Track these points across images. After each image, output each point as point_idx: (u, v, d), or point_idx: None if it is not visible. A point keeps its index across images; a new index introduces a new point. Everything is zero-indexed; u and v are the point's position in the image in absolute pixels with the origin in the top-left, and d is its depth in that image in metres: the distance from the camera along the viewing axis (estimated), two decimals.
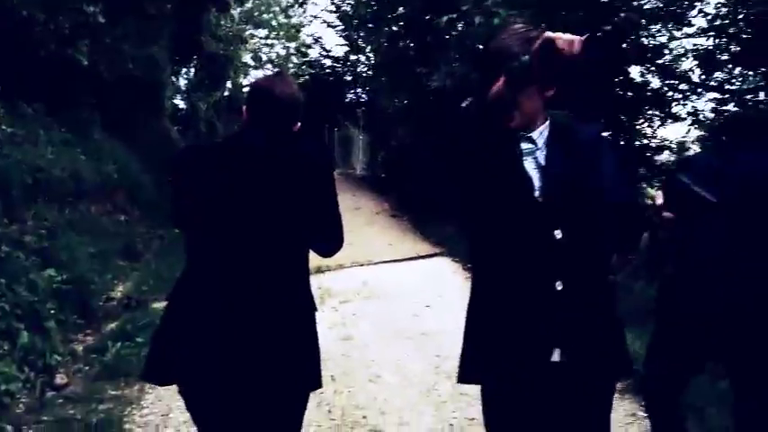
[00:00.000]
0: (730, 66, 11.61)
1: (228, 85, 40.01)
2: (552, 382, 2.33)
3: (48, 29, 9.27)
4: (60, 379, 5.00)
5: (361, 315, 7.21)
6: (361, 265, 9.74)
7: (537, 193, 2.30)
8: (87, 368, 5.32)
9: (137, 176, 11.25)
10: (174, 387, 2.54)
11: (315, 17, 44.25)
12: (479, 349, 2.44)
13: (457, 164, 2.45)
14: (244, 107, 2.56)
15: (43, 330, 5.38)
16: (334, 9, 21.75)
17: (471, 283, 2.46)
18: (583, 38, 2.14)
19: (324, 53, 25.92)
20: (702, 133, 12.66)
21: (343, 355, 5.94)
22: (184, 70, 31.36)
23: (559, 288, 2.25)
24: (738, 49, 11.10)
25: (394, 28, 18.47)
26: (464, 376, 2.47)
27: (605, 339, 2.35)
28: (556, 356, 2.28)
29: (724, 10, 11.09)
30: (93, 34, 10.61)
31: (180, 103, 35.84)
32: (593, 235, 2.31)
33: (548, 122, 2.38)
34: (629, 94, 13.77)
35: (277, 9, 40.81)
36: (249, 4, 35.42)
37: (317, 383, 2.61)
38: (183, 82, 33.64)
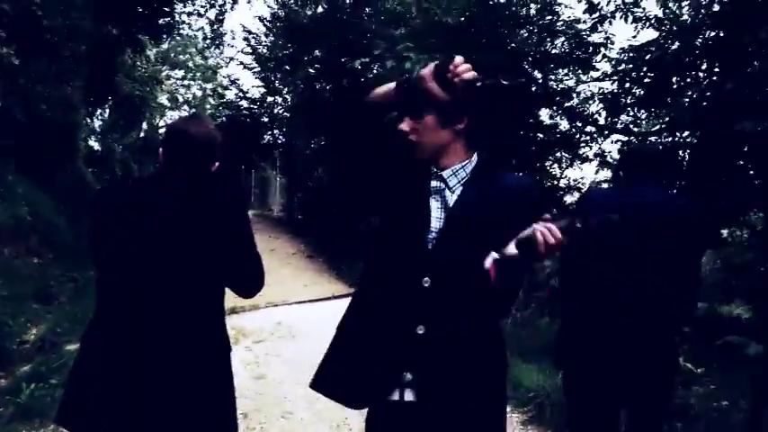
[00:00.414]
0: (635, 108, 12.21)
1: (144, 126, 39.65)
2: (405, 420, 2.34)
3: None
4: None
5: (275, 354, 7.37)
6: (276, 306, 9.89)
7: (431, 235, 2.25)
8: (1, 409, 5.34)
9: (51, 219, 11.17)
10: None
11: (231, 59, 43.96)
12: (339, 365, 2.43)
13: (373, 188, 2.46)
14: (160, 149, 2.59)
15: None
16: (251, 51, 21.88)
17: (350, 302, 2.48)
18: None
19: (240, 94, 25.85)
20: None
21: (257, 392, 6.09)
22: (99, 111, 30.99)
23: (420, 332, 2.25)
24: (641, 92, 11.70)
25: (310, 70, 18.74)
26: (315, 384, 2.46)
27: (469, 383, 2.31)
28: (409, 396, 2.28)
29: (626, 56, 11.66)
30: (7, 75, 10.61)
31: (95, 144, 35.34)
32: (467, 287, 2.23)
33: (472, 161, 2.33)
34: (540, 135, 14.34)
35: (193, 50, 40.63)
36: (165, 45, 35.14)
37: (231, 428, 2.61)
38: (97, 123, 33.23)
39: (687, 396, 5.43)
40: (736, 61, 8.63)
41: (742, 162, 8.72)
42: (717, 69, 10.16)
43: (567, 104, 13.90)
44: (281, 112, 24.79)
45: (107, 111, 33.03)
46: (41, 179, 12.12)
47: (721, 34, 9.24)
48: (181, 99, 42.79)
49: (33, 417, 5.20)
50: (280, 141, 25.85)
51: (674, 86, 10.42)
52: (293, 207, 22.88)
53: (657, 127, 11.70)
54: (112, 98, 28.36)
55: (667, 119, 10.86)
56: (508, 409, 5.73)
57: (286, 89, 22.59)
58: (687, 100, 9.68)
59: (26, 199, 10.54)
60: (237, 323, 8.31)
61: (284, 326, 8.63)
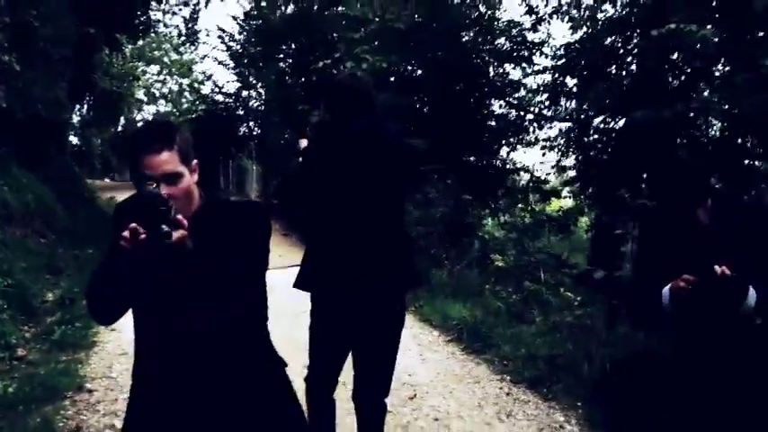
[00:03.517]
0: (573, 99, 13.75)
1: (122, 120, 40.75)
2: (363, 298, 3.54)
3: None
4: (21, 351, 6.48)
5: None
6: None
7: None
8: (39, 345, 6.78)
9: (51, 205, 12.53)
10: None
11: (206, 56, 44.87)
12: (313, 268, 3.65)
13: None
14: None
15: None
16: (225, 48, 22.70)
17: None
18: None
19: (216, 89, 26.61)
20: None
21: None
22: (77, 107, 31.89)
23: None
24: (575, 83, 13.24)
25: (282, 65, 20.00)
26: (298, 284, 3.70)
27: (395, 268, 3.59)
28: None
29: (561, 52, 13.20)
30: (9, 80, 11.94)
31: (74, 139, 36.38)
32: None
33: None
34: (491, 123, 15.87)
35: (168, 46, 41.55)
36: (141, 42, 36.08)
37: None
38: (76, 119, 34.21)
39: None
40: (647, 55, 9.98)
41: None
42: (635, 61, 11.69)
43: (516, 95, 15.48)
44: (255, 105, 25.57)
45: (85, 107, 34.13)
46: (38, 171, 13.46)
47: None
48: (157, 93, 43.79)
49: (66, 348, 6.66)
50: (255, 133, 26.74)
51: (601, 76, 11.90)
52: (269, 193, 24.13)
53: (593, 113, 13.06)
54: (90, 94, 29.39)
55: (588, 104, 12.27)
56: (436, 333, 7.39)
57: (260, 84, 23.33)
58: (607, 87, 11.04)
59: (29, 188, 11.89)
60: None
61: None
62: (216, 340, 2.29)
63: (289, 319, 5.91)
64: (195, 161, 2.32)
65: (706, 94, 8.94)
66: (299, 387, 4.87)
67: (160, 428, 2.34)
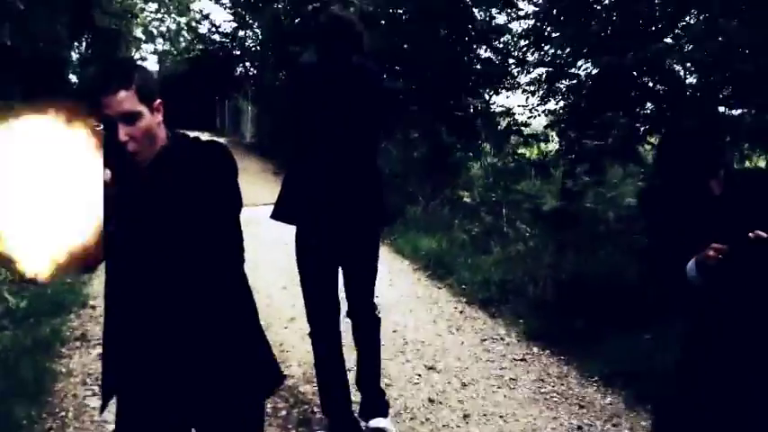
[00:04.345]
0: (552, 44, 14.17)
1: None
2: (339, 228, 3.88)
3: None
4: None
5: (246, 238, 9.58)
6: (246, 206, 12.10)
7: None
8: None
9: None
10: None
11: None
12: (291, 198, 3.96)
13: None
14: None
15: None
16: None
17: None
18: None
19: (213, 29, 26.83)
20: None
21: None
22: (76, 45, 31.96)
23: None
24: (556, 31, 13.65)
25: (278, 6, 20.39)
26: (276, 216, 4.01)
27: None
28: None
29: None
30: (13, 19, 12.50)
31: (73, 77, 36.57)
32: None
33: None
34: (478, 67, 16.34)
35: None
36: None
37: (276, 381, 2.66)
38: (75, 56, 34.28)
39: None
40: None
41: None
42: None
43: (503, 39, 15.92)
44: (252, 45, 25.67)
45: (84, 45, 34.22)
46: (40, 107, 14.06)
47: None
48: (155, 32, 43.69)
49: None
50: (251, 74, 27.00)
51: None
52: (263, 134, 24.57)
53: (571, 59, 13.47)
54: (90, 32, 29.58)
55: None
56: (406, 263, 8.16)
57: (256, 24, 23.44)
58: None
59: None
60: None
61: (253, 218, 10.86)
62: (186, 284, 2.28)
63: (280, 247, 6.69)
64: (159, 100, 2.28)
65: (669, 40, 9.25)
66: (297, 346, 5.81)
67: (136, 359, 2.36)
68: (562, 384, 5.13)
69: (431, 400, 4.77)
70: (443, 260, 7.97)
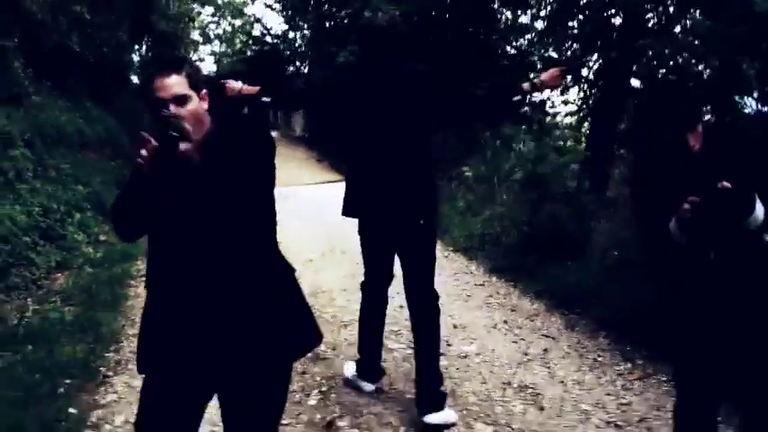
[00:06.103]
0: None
1: None
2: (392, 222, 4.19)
3: (52, 26, 12.71)
4: (102, 237, 8.85)
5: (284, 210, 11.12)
6: (287, 186, 13.57)
7: None
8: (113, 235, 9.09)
9: (117, 136, 14.77)
10: None
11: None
12: (351, 198, 4.27)
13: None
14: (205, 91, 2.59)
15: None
16: None
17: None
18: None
19: (264, 31, 28.47)
20: None
21: None
22: (137, 48, 33.51)
23: None
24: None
25: (324, 8, 21.83)
26: (345, 212, 4.36)
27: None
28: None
29: None
30: (81, 27, 14.06)
31: (134, 78, 38.24)
32: None
33: None
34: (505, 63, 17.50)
35: None
36: None
37: (311, 342, 2.74)
38: (136, 59, 35.87)
39: None
40: None
41: None
42: None
43: (526, 37, 17.04)
44: (301, 45, 27.52)
45: (144, 48, 35.83)
46: (105, 106, 15.70)
47: None
48: (212, 34, 45.19)
49: None
50: (302, 72, 28.19)
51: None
52: (310, 128, 26.28)
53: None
54: (150, 36, 31.19)
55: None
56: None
57: (306, 26, 25.24)
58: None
59: (99, 120, 14.15)
60: None
61: (292, 197, 12.35)
62: (226, 252, 2.40)
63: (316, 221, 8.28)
64: (205, 91, 2.48)
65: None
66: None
67: (171, 336, 2.47)
68: (504, 298, 7.15)
69: (401, 306, 5.24)
70: (442, 222, 9.34)
